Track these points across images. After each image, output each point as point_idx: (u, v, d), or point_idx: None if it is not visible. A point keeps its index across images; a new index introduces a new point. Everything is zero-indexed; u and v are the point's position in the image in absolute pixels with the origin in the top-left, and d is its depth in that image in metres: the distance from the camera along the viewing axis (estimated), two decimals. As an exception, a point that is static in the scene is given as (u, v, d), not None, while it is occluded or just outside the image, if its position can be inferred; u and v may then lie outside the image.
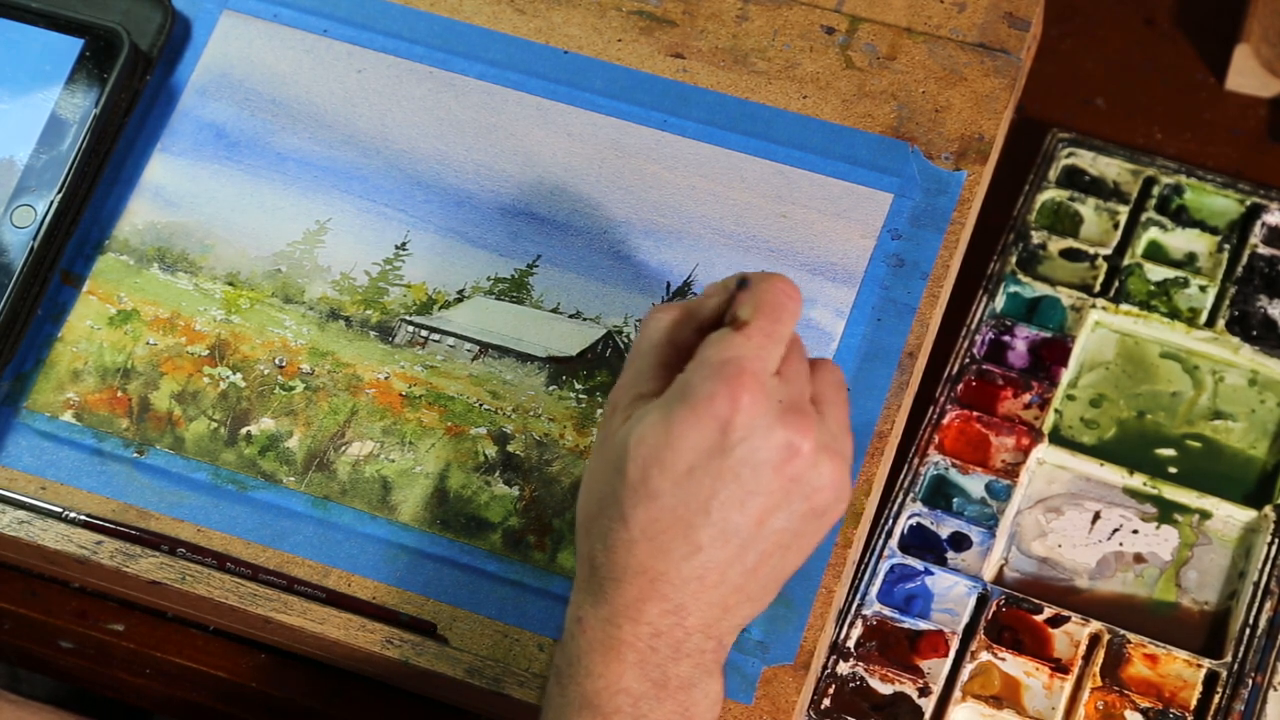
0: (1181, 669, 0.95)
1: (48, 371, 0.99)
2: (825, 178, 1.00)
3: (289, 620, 0.93)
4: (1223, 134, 1.10)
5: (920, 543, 0.99)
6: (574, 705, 0.81)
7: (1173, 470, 1.01)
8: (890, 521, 0.99)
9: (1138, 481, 1.00)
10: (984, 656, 0.96)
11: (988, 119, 1.01)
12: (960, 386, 1.02)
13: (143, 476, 0.97)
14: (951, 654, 0.96)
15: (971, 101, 1.01)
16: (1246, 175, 1.07)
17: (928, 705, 0.95)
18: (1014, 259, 1.05)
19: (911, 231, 0.99)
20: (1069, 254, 1.06)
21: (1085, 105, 1.11)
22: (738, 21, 1.04)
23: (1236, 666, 0.95)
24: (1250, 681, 0.95)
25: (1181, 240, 1.06)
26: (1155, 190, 1.06)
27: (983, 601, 0.97)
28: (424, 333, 0.99)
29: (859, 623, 0.97)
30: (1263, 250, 1.05)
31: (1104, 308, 1.04)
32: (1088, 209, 1.07)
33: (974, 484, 1.00)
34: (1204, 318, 1.03)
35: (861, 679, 0.96)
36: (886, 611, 0.97)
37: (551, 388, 0.97)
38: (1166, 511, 1.00)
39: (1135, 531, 1.00)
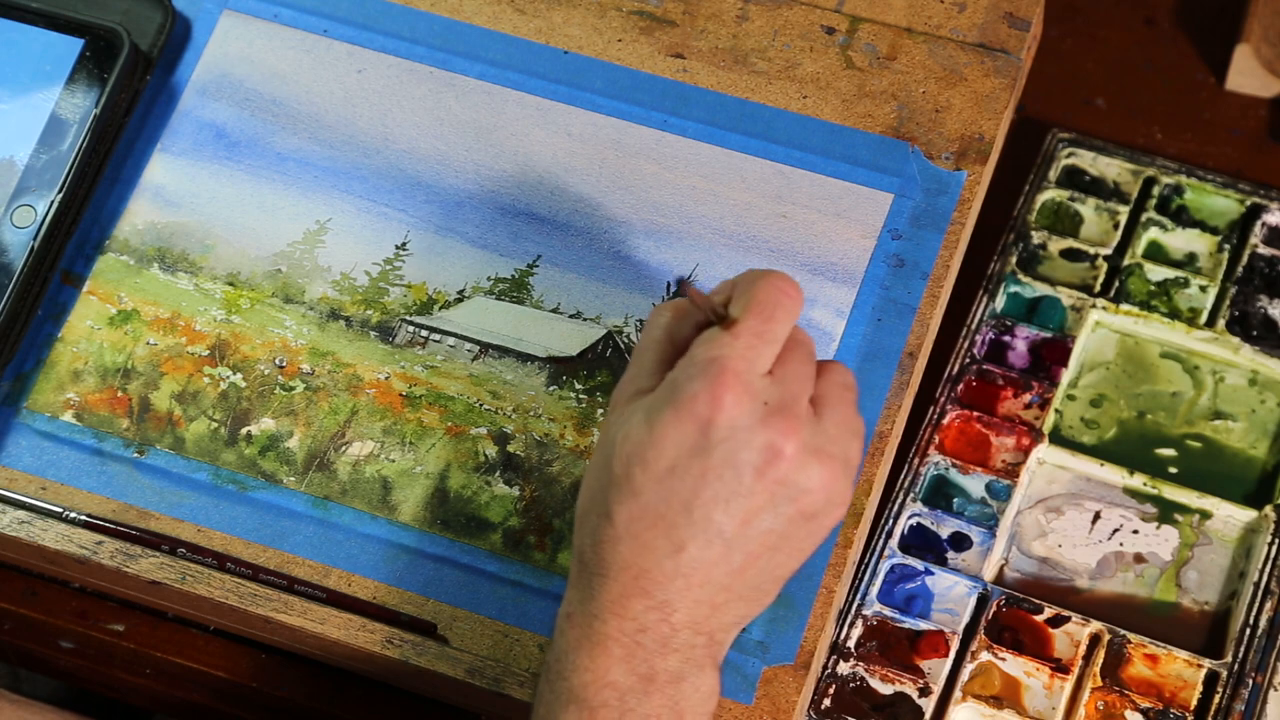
0: (1182, 669, 0.95)
1: (48, 371, 0.99)
2: (825, 178, 1.00)
3: (289, 620, 0.93)
4: (1223, 134, 1.10)
5: (920, 543, 0.99)
6: (562, 700, 0.81)
7: (1173, 470, 1.01)
8: (890, 521, 0.99)
9: (1138, 481, 1.00)
10: (984, 656, 0.96)
11: (988, 119, 1.01)
12: (960, 386, 1.02)
13: (143, 476, 0.97)
14: (952, 654, 0.96)
15: (971, 101, 1.01)
16: (1246, 175, 1.07)
17: (928, 705, 0.95)
18: (1014, 259, 1.05)
19: (912, 231, 0.99)
20: (1069, 254, 1.06)
21: (1085, 105, 1.11)
22: (738, 21, 1.04)
23: (1237, 666, 0.95)
24: (1250, 681, 0.95)
25: (1182, 240, 1.06)
26: (1155, 190, 1.06)
27: (983, 601, 0.97)
28: (424, 333, 0.99)
29: (859, 623, 0.97)
30: (1263, 250, 1.05)
31: (1104, 308, 1.04)
32: (1088, 209, 1.07)
33: (974, 484, 1.00)
34: (1204, 318, 1.03)
35: (862, 679, 0.96)
36: (887, 611, 0.97)
37: (552, 388, 0.97)
38: (1167, 511, 1.00)
39: (1135, 531, 1.00)
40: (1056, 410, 1.02)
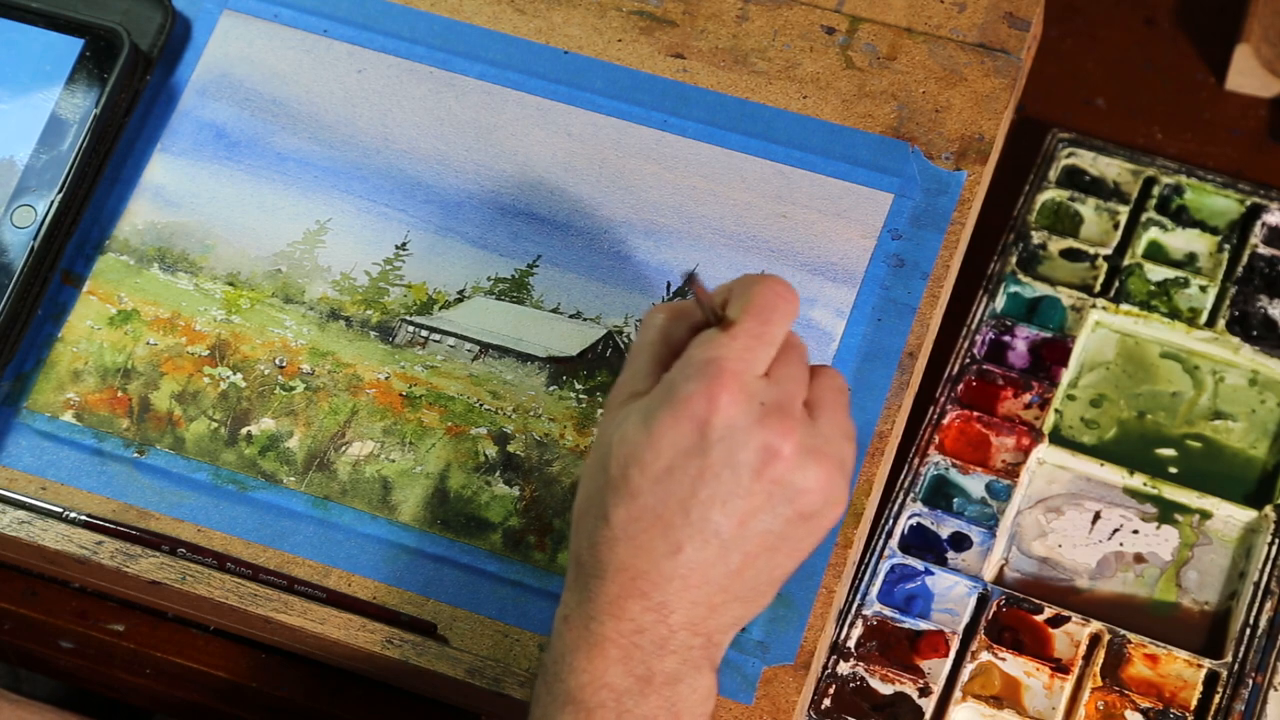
0: (1182, 669, 0.95)
1: (48, 371, 0.99)
2: (825, 178, 1.00)
3: (289, 620, 0.93)
4: (1223, 134, 1.10)
5: (920, 543, 0.99)
6: (559, 702, 0.81)
7: (1173, 470, 1.01)
8: (890, 521, 0.99)
9: (1138, 481, 1.00)
10: (984, 656, 0.96)
11: (988, 119, 1.01)
12: (960, 386, 1.02)
13: (143, 476, 0.97)
14: (952, 654, 0.96)
15: (971, 101, 1.01)
16: (1246, 175, 1.07)
17: (928, 705, 0.95)
18: (1014, 259, 1.05)
19: (912, 231, 0.99)
20: (1069, 254, 1.06)
21: (1085, 105, 1.11)
22: (738, 21, 1.04)
23: (1237, 666, 0.95)
24: (1250, 681, 0.95)
25: (1182, 240, 1.06)
26: (1155, 190, 1.06)
27: (983, 601, 0.97)
28: (424, 333, 0.99)
29: (859, 623, 0.97)
30: (1263, 250, 1.05)
31: (1104, 308, 1.04)
32: (1088, 209, 1.07)
33: (974, 484, 1.00)
34: (1204, 318, 1.03)
35: (862, 679, 0.96)
36: (887, 611, 0.97)
37: (552, 388, 0.97)
38: (1167, 511, 1.00)
39: (1135, 531, 1.00)
40: (1056, 410, 1.02)
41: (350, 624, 0.93)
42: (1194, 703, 0.95)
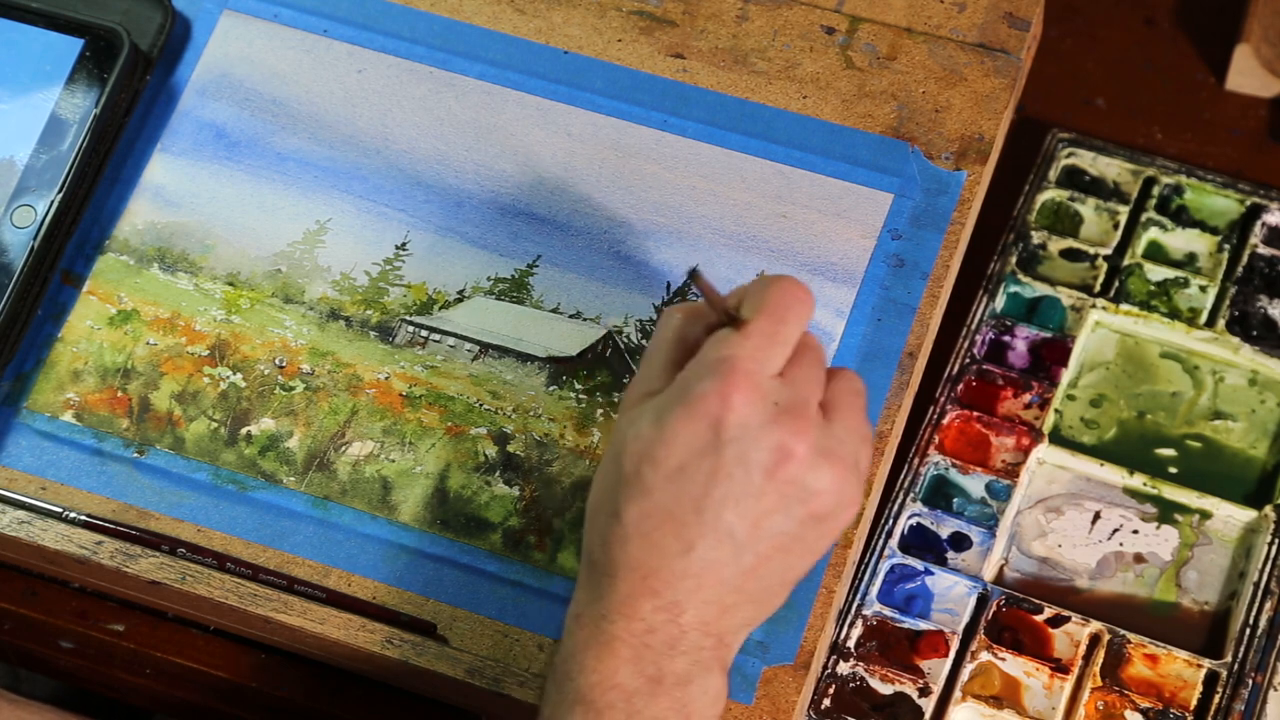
0: (1182, 669, 0.95)
1: (48, 371, 0.99)
2: (825, 178, 1.00)
3: (289, 620, 0.93)
4: (1223, 134, 1.10)
5: (920, 543, 0.99)
6: (569, 702, 0.81)
7: (1173, 470, 1.01)
8: (890, 521, 0.99)
9: (1138, 481, 1.00)
10: (984, 656, 0.96)
11: (988, 119, 1.01)
12: (960, 386, 1.02)
13: (143, 476, 0.97)
14: (952, 654, 0.96)
15: (971, 101, 1.01)
16: (1246, 175, 1.07)
17: (928, 705, 0.95)
18: (1014, 259, 1.05)
19: (912, 231, 0.99)
20: (1069, 254, 1.06)
21: (1085, 105, 1.11)
22: (738, 21, 1.04)
23: (1237, 666, 0.95)
24: (1250, 681, 0.95)
25: (1181, 240, 1.06)
26: (1155, 190, 1.06)
27: (983, 601, 0.97)
28: (424, 333, 0.99)
29: (859, 623, 0.97)
30: (1263, 250, 1.05)
31: (1104, 308, 1.04)
32: (1088, 209, 1.07)
33: (974, 484, 1.00)
34: (1204, 318, 1.03)
35: (862, 679, 0.96)
36: (887, 611, 0.97)
37: (552, 388, 0.97)
38: (1166, 511, 1.00)
39: (1135, 531, 1.00)
40: (1056, 410, 1.02)
41: (350, 624, 0.93)
42: (1194, 703, 0.95)
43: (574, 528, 0.94)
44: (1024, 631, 0.97)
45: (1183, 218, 1.06)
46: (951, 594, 0.97)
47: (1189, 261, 1.06)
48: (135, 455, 0.97)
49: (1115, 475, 1.00)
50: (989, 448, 1.01)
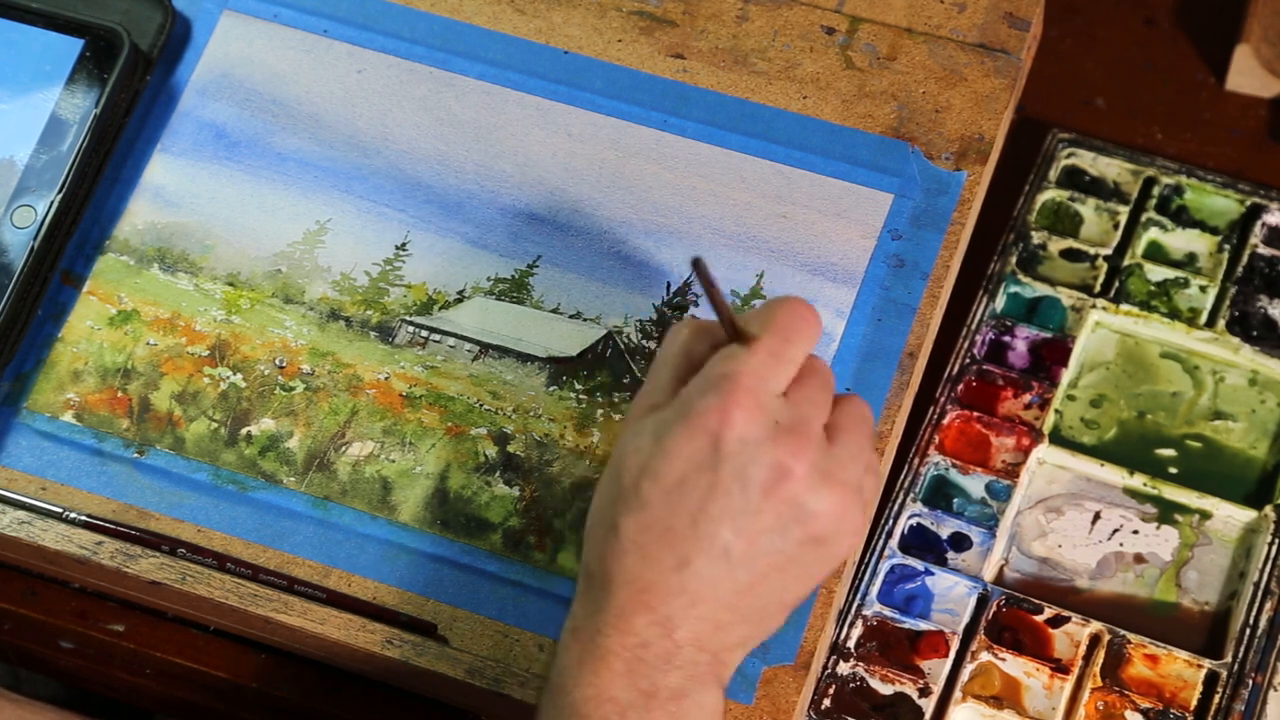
0: (1182, 669, 0.95)
1: (48, 372, 0.99)
2: (825, 178, 1.00)
3: (289, 620, 0.93)
4: (1223, 134, 1.10)
5: (920, 543, 0.99)
6: (564, 715, 0.81)
7: (1173, 470, 1.01)
8: (890, 522, 0.99)
9: (1138, 482, 1.00)
10: (984, 657, 0.96)
11: (988, 119, 1.01)
12: (960, 387, 1.02)
13: (143, 477, 0.97)
14: (952, 654, 0.96)
15: (971, 101, 1.01)
16: (1246, 175, 1.07)
17: (928, 705, 0.95)
18: (1014, 259, 1.05)
19: (912, 232, 0.99)
20: (1069, 254, 1.06)
21: (1085, 105, 1.11)
22: (738, 22, 1.04)
23: (1237, 667, 0.95)
24: (1250, 682, 0.95)
25: (1182, 240, 1.06)
26: (1155, 190, 1.06)
27: (983, 602, 0.97)
28: (424, 333, 0.99)
29: (859, 623, 0.97)
30: (1263, 250, 1.05)
31: (1104, 308, 1.04)
32: (1088, 209, 1.07)
33: (974, 484, 1.00)
34: (1204, 318, 1.03)
35: (862, 679, 0.96)
36: (887, 612, 0.97)
37: (552, 388, 0.97)
38: (1167, 512, 1.00)
39: (1135, 532, 1.00)
40: (1056, 410, 1.02)
41: (350, 624, 0.93)
42: (1194, 703, 0.95)
43: (574, 528, 0.94)
44: (1024, 632, 0.97)
45: (1183, 218, 1.06)
46: (952, 594, 0.97)
47: (1189, 262, 1.06)
48: (135, 455, 0.97)
49: (1115, 475, 1.00)
50: (989, 448, 1.01)
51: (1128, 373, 1.03)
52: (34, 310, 0.99)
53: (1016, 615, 0.97)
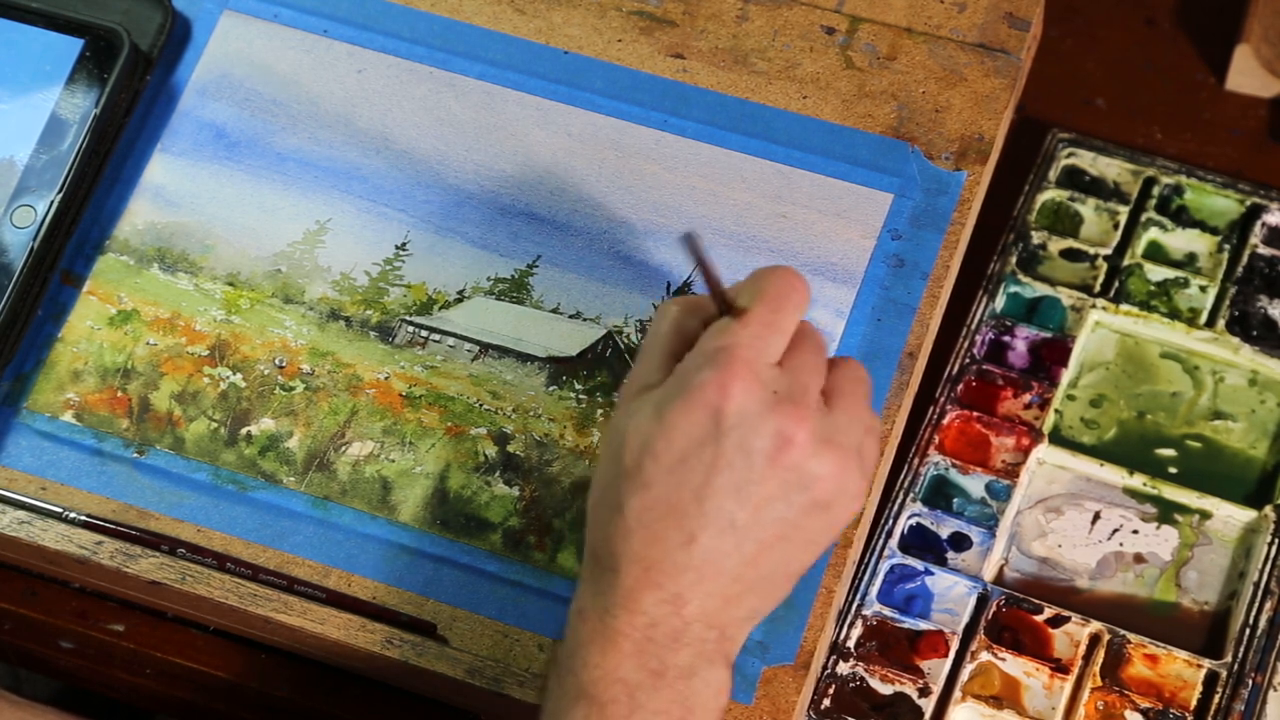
0: (1181, 669, 0.95)
1: (48, 372, 0.99)
2: (825, 178, 1.00)
3: (289, 620, 0.93)
4: (1223, 134, 1.10)
5: (920, 543, 0.99)
6: (571, 696, 0.81)
7: (1173, 470, 1.01)
8: (890, 521, 0.99)
9: (1138, 482, 1.00)
10: (984, 657, 0.96)
11: (988, 119, 1.01)
12: (960, 387, 1.02)
13: (143, 477, 0.97)
14: (951, 654, 0.96)
15: (971, 101, 1.01)
16: (1247, 175, 1.07)
17: (928, 705, 0.95)
18: (1014, 259, 1.05)
19: (912, 232, 0.99)
20: (1069, 254, 1.06)
21: (1085, 105, 1.11)
22: (738, 22, 1.04)
23: (1236, 666, 0.95)
24: (1250, 681, 0.95)
25: (1182, 240, 1.06)
26: (1155, 190, 1.06)
27: (983, 601, 0.97)
28: (424, 333, 0.99)
29: (859, 623, 0.97)
30: (1263, 250, 1.05)
31: (1104, 308, 1.04)
32: (1088, 209, 1.07)
33: (974, 484, 1.00)
34: (1204, 318, 1.03)
35: (861, 679, 0.96)
36: (886, 612, 0.97)
37: (552, 388, 0.97)
38: (1166, 512, 1.00)
39: (1135, 532, 1.00)
40: (1056, 410, 1.02)
41: (350, 624, 0.93)
42: (1194, 703, 0.95)
43: (574, 528, 0.94)
44: (1024, 631, 0.97)
45: (1183, 218, 1.06)
46: (951, 594, 0.97)
47: (1189, 262, 1.06)
48: (135, 455, 0.97)
49: (1115, 475, 1.00)
50: (989, 448, 1.01)
51: (1128, 373, 1.03)
52: (34, 310, 1.00)
53: (1016, 615, 0.97)
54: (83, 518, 0.95)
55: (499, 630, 0.93)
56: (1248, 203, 1.06)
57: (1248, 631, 0.96)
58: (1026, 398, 1.01)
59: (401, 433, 0.97)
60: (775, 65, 1.03)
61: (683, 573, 0.80)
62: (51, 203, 0.99)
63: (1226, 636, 0.96)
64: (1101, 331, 1.04)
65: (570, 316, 0.99)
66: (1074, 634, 0.96)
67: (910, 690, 0.95)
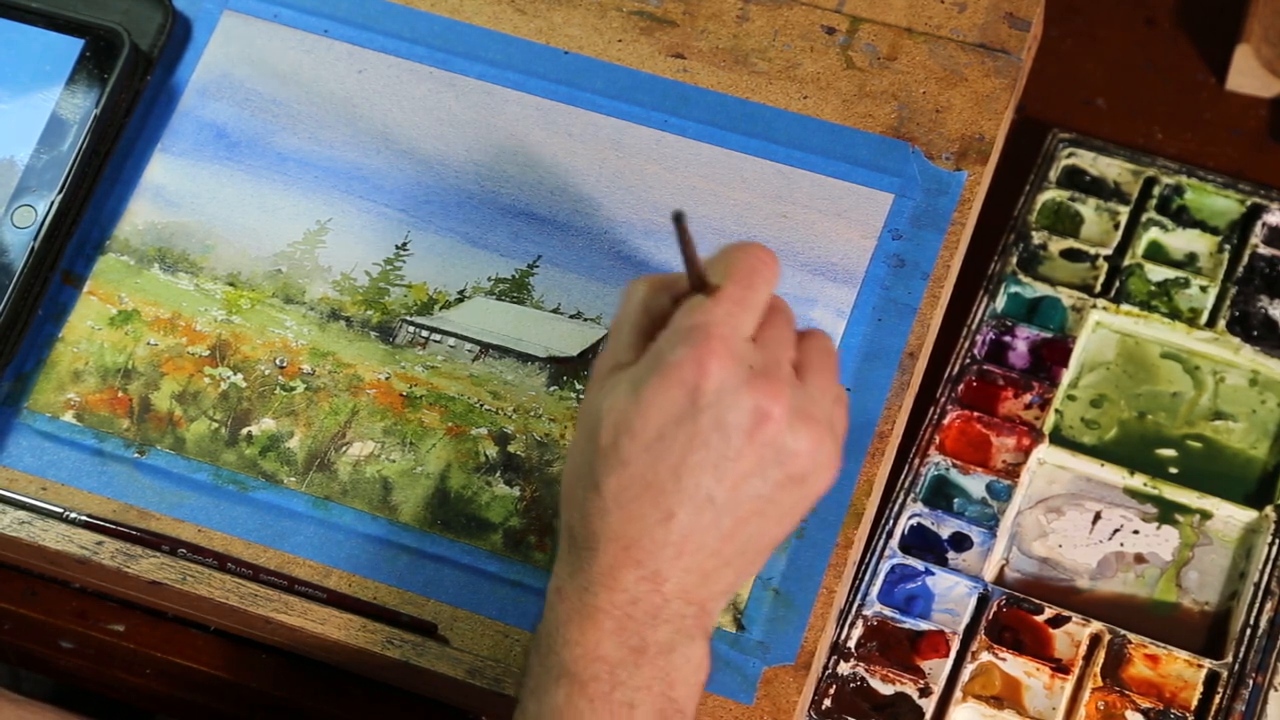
0: (1182, 669, 0.95)
1: (48, 372, 0.99)
2: (826, 178, 1.00)
3: (290, 620, 0.93)
4: (1223, 134, 1.10)
5: (921, 543, 0.99)
6: (552, 675, 0.81)
7: (1173, 470, 1.01)
8: (891, 522, 0.99)
9: (1138, 482, 1.00)
10: (985, 657, 0.96)
11: (988, 119, 1.01)
12: (961, 387, 1.02)
13: (143, 477, 0.97)
14: (952, 654, 0.96)
15: (972, 101, 1.01)
16: (1247, 175, 1.07)
17: (928, 705, 0.95)
18: (1014, 259, 1.05)
19: (912, 232, 0.99)
20: (1069, 254, 1.06)
21: (1085, 105, 1.11)
22: (738, 22, 1.04)
23: (1237, 667, 0.95)
24: (1251, 682, 0.95)
25: (1182, 240, 1.06)
26: (1156, 190, 1.06)
27: (983, 602, 0.97)
28: (425, 333, 0.99)
29: (860, 623, 0.97)
30: (1263, 250, 1.05)
31: (1105, 308, 1.04)
32: (1088, 209, 1.07)
33: (975, 484, 1.00)
34: (1204, 318, 1.03)
35: (862, 679, 0.96)
36: (887, 612, 0.97)
37: (552, 388, 0.97)
38: (1167, 512, 1.00)
39: (1136, 532, 1.00)
40: (1057, 410, 1.02)
41: (350, 624, 0.93)
42: (1194, 703, 0.95)
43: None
44: (1024, 632, 0.97)
45: (1183, 218, 1.06)
46: (952, 594, 0.97)
47: (1189, 262, 1.06)
48: (136, 455, 0.97)
49: (1116, 475, 1.00)
50: (989, 448, 1.01)
51: (1128, 373, 1.03)
52: (34, 310, 0.99)
53: (1017, 615, 0.97)
54: (83, 518, 0.95)
55: (499, 630, 0.93)
56: (1248, 203, 1.06)
57: (1248, 632, 0.96)
58: (1027, 398, 1.01)
59: (402, 433, 0.97)
60: (775, 65, 1.03)
61: (661, 549, 0.80)
62: (52, 203, 0.99)
63: (1227, 637, 0.96)
64: (1102, 332, 1.04)
65: (571, 316, 0.99)
66: (1075, 634, 0.96)
67: (911, 690, 0.95)
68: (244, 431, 0.98)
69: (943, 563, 0.98)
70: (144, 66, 1.03)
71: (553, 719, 0.81)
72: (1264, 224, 1.05)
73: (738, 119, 1.02)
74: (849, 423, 0.86)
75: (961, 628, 0.97)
